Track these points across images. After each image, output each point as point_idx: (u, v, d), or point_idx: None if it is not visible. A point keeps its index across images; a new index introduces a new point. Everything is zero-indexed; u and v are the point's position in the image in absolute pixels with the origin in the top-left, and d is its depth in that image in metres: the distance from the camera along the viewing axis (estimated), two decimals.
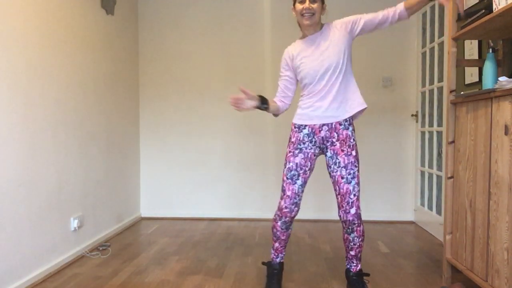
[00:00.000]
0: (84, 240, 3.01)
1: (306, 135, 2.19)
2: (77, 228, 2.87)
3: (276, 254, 2.31)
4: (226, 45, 4.08)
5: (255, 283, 2.42)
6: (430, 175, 3.63)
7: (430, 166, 3.63)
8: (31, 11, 2.41)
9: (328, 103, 2.14)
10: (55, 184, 2.64)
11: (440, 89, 3.41)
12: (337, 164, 2.14)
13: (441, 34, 3.37)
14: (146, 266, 2.72)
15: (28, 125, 2.38)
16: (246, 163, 4.10)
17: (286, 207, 2.19)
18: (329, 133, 2.16)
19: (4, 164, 2.18)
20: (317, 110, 2.16)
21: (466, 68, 2.82)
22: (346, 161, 2.13)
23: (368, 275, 2.26)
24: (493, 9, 1.87)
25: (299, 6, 2.12)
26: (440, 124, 3.43)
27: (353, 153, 2.14)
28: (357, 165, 2.14)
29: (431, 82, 3.60)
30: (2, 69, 2.17)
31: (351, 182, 2.12)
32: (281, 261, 2.33)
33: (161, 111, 4.15)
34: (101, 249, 3.08)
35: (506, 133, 1.75)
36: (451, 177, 2.30)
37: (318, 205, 4.04)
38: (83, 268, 2.68)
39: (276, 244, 2.30)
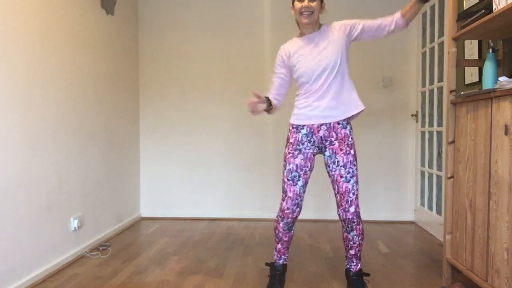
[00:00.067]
0: (84, 240, 3.01)
1: (304, 135, 2.18)
2: (77, 228, 2.87)
3: (279, 256, 2.30)
4: (226, 45, 4.08)
5: (255, 283, 2.42)
6: (430, 175, 3.63)
7: (430, 166, 3.63)
8: (31, 11, 2.41)
9: (326, 102, 2.14)
10: (55, 184, 2.64)
11: (440, 89, 3.41)
12: (336, 163, 2.14)
13: (441, 34, 3.37)
14: (146, 266, 2.72)
15: (28, 125, 2.38)
16: (246, 163, 4.10)
17: (288, 208, 2.19)
18: (327, 132, 2.16)
19: (4, 164, 2.18)
20: (315, 109, 2.15)
21: (466, 68, 2.82)
22: (345, 160, 2.13)
23: (368, 275, 2.26)
24: (493, 9, 1.87)
25: (298, 5, 2.11)
26: (440, 124, 3.42)
27: (352, 151, 2.15)
28: (355, 163, 2.15)
29: (431, 82, 3.60)
30: (2, 69, 2.17)
31: (350, 180, 2.13)
32: (284, 263, 2.32)
33: (161, 111, 4.15)
34: (101, 249, 3.08)
35: (506, 133, 1.75)
36: (451, 177, 2.30)
37: (318, 205, 4.04)
38: (83, 268, 2.68)
39: (279, 246, 2.29)
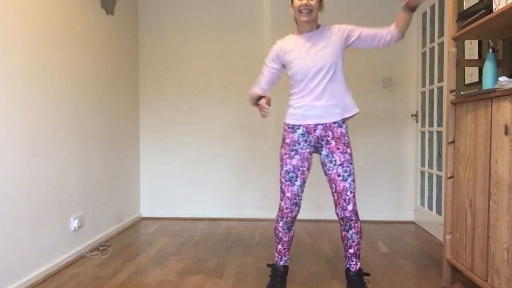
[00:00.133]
0: (84, 240, 3.01)
1: (300, 135, 2.18)
2: (77, 228, 2.87)
3: (280, 257, 2.30)
4: (226, 45, 4.08)
5: (255, 283, 2.42)
6: (430, 175, 3.63)
7: (430, 166, 3.63)
8: (31, 11, 2.41)
9: (323, 103, 2.14)
10: (55, 184, 2.64)
11: (440, 89, 3.41)
12: (333, 162, 2.14)
13: (441, 34, 3.36)
14: (146, 266, 2.72)
15: (28, 125, 2.38)
16: (246, 163, 4.10)
17: (286, 208, 2.20)
18: (324, 131, 2.16)
19: (4, 164, 2.18)
20: (312, 109, 2.15)
21: (466, 68, 2.82)
22: (342, 159, 2.13)
23: (368, 274, 2.26)
24: (493, 9, 1.87)
25: (297, 3, 2.12)
26: (440, 124, 3.42)
27: (348, 150, 2.15)
28: (352, 162, 2.15)
29: (431, 82, 3.60)
30: (2, 69, 2.17)
31: (347, 179, 2.13)
32: (285, 264, 2.31)
33: (161, 111, 4.15)
34: (101, 249, 3.08)
35: (506, 133, 1.75)
36: (451, 177, 2.30)
37: (318, 205, 4.04)
38: (83, 268, 2.68)
39: (279, 247, 2.29)
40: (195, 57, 4.11)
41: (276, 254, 2.31)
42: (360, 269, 2.23)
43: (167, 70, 4.13)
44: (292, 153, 2.18)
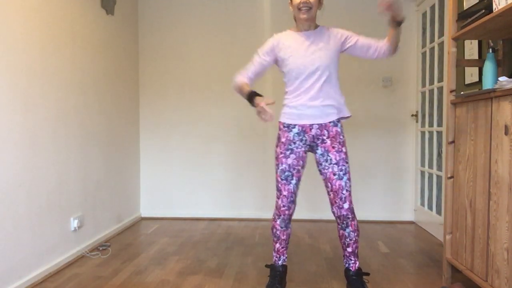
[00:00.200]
0: (84, 240, 3.01)
1: (296, 135, 2.18)
2: (77, 228, 2.87)
3: (278, 256, 2.30)
4: (226, 45, 4.08)
5: (255, 283, 2.42)
6: (430, 175, 3.63)
7: (430, 166, 3.63)
8: (31, 11, 2.41)
9: (318, 103, 2.15)
10: (55, 184, 2.64)
11: (440, 89, 3.41)
12: (329, 161, 2.15)
13: (441, 34, 3.36)
14: (146, 266, 2.72)
15: (28, 125, 2.38)
16: (246, 163, 4.10)
17: (283, 206, 2.21)
18: (319, 131, 2.16)
19: (4, 164, 2.18)
20: (308, 109, 2.15)
21: (466, 68, 2.82)
22: (338, 158, 2.14)
23: (368, 274, 2.27)
24: (493, 9, 1.87)
25: (296, 0, 2.11)
26: (440, 124, 3.42)
27: (344, 149, 2.16)
28: (347, 161, 2.16)
29: (431, 82, 3.60)
30: (2, 69, 2.17)
31: (343, 178, 2.13)
32: (284, 263, 2.32)
33: (161, 111, 4.15)
34: (101, 249, 3.08)
35: (506, 133, 1.75)
36: (451, 177, 2.30)
37: (317, 205, 4.03)
38: (83, 268, 2.68)
39: (277, 245, 2.29)
40: (195, 57, 4.11)
41: (275, 254, 2.31)
42: (359, 269, 2.23)
43: (167, 70, 4.13)
44: (288, 152, 2.18)
